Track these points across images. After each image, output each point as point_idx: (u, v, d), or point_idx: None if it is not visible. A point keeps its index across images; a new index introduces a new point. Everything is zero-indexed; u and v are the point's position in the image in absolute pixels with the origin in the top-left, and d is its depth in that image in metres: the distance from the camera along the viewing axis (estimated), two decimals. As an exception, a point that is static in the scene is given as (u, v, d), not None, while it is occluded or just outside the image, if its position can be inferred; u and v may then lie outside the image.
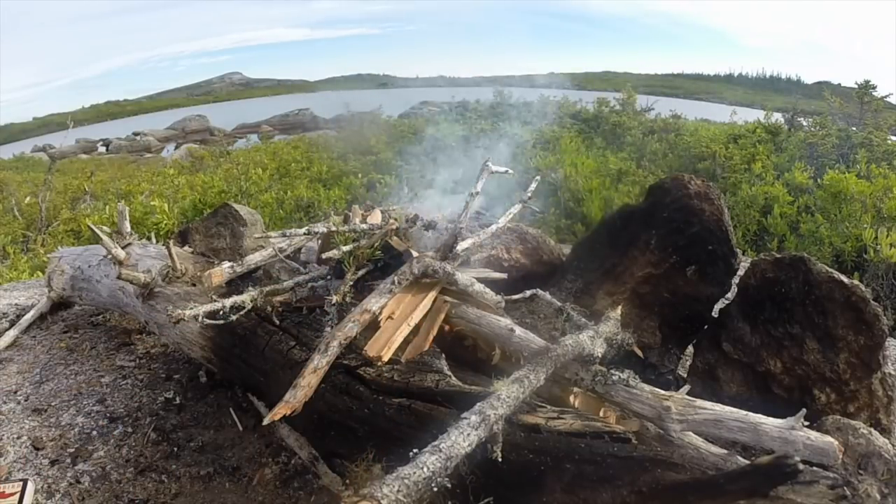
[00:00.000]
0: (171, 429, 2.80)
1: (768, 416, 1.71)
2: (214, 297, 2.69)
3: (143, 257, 3.35)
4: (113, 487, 2.42)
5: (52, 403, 2.94)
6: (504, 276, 3.01)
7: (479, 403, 1.66)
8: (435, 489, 1.35)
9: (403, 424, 2.12)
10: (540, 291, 2.83)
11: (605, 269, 3.04)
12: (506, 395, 1.71)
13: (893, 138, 10.11)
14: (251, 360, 2.68)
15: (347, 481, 2.23)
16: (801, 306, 2.55)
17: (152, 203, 7.19)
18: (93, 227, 3.27)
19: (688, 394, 1.91)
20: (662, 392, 1.91)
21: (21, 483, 2.24)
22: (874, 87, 11.58)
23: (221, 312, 2.51)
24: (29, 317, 3.80)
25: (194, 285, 3.04)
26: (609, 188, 8.70)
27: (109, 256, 3.27)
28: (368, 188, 9.42)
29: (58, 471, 2.48)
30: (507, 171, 3.36)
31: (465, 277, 2.52)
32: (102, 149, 34.07)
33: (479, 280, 2.63)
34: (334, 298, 2.47)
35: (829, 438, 1.61)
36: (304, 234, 2.66)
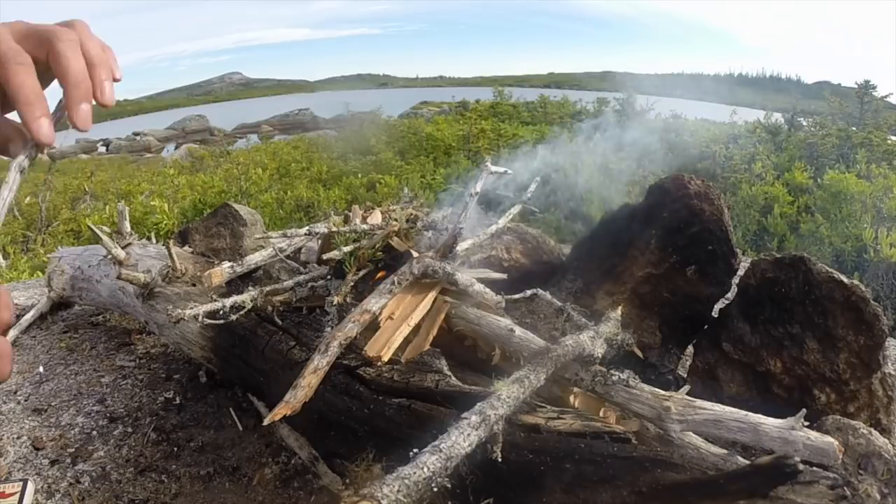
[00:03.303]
0: (171, 429, 2.80)
1: (768, 416, 1.71)
2: (214, 297, 2.70)
3: (143, 257, 3.35)
4: (113, 487, 2.42)
5: (52, 403, 2.94)
6: (504, 276, 3.00)
7: (479, 403, 1.66)
8: (435, 489, 1.35)
9: (403, 424, 2.12)
10: (540, 291, 2.83)
11: (605, 269, 3.04)
12: (506, 395, 1.71)
13: (893, 138, 10.12)
14: (251, 360, 2.68)
15: (347, 481, 2.23)
16: (801, 306, 2.55)
17: (152, 203, 7.20)
18: (93, 227, 3.27)
19: (688, 394, 1.91)
20: (662, 392, 1.91)
21: (21, 483, 2.24)
22: (874, 87, 11.61)
23: (221, 312, 2.51)
24: (29, 317, 3.80)
25: (194, 285, 3.04)
26: (609, 188, 8.69)
27: (109, 256, 3.27)
28: (368, 188, 9.42)
29: (58, 471, 2.48)
30: (506, 171, 3.37)
31: (465, 277, 2.52)
32: (102, 149, 34.05)
33: (479, 280, 2.63)
34: (335, 299, 2.47)
35: (829, 438, 1.61)
36: (305, 234, 2.66)
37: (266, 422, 1.91)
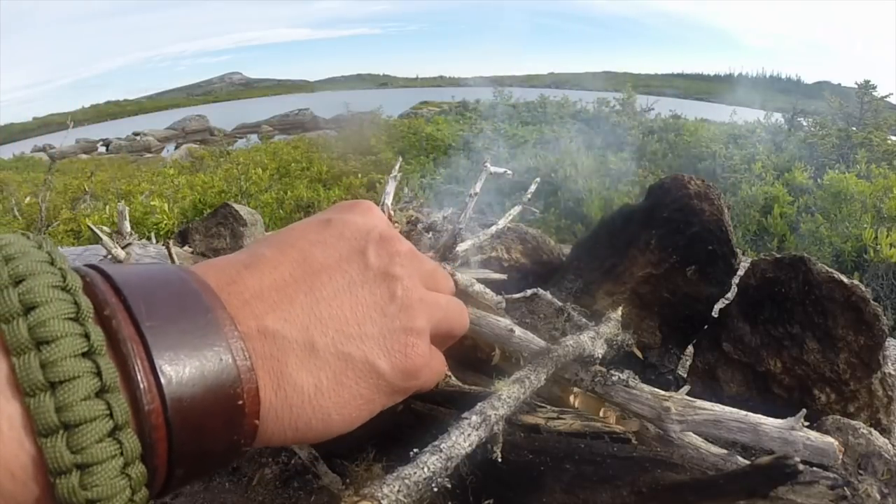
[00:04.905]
0: (172, 429, 2.80)
1: (768, 416, 1.71)
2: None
3: (143, 257, 3.35)
4: (113, 487, 2.42)
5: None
6: (504, 276, 3.01)
7: (479, 403, 1.65)
8: (435, 489, 1.35)
9: (403, 424, 2.12)
10: (540, 291, 2.83)
11: (605, 269, 3.04)
12: (506, 395, 1.71)
13: (893, 138, 10.13)
14: (251, 360, 2.68)
15: (347, 481, 2.23)
16: (801, 306, 2.55)
17: (152, 203, 7.20)
18: (93, 227, 3.27)
19: (688, 394, 1.91)
20: (662, 392, 1.91)
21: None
22: (874, 87, 11.61)
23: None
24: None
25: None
26: (609, 188, 8.71)
27: (109, 256, 3.27)
28: (368, 188, 9.43)
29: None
30: (505, 171, 3.37)
31: (465, 277, 2.52)
32: (102, 149, 34.09)
33: (479, 280, 2.63)
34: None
35: (829, 438, 1.61)
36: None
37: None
